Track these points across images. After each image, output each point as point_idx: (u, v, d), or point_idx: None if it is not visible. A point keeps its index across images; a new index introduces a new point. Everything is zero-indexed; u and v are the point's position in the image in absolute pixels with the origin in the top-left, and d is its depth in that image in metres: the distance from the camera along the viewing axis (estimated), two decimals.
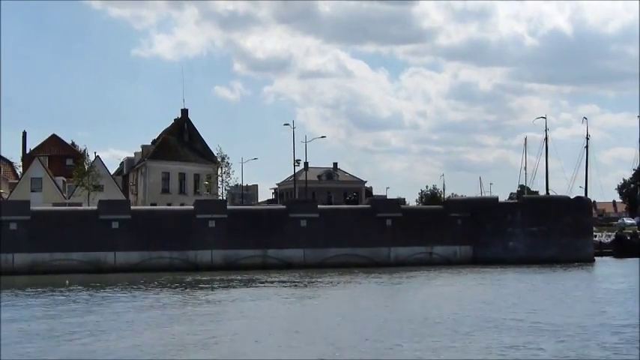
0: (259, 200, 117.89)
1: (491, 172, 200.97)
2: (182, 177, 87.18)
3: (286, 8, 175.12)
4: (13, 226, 54.40)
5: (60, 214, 56.67)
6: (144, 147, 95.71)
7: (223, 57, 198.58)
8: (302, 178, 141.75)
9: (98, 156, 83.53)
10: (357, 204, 67.16)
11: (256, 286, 44.02)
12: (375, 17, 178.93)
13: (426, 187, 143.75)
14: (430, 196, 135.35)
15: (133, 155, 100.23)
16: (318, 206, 60.35)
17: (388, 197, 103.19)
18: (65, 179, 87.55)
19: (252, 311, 32.75)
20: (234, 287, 43.86)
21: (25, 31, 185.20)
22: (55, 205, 71.96)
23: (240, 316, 31.41)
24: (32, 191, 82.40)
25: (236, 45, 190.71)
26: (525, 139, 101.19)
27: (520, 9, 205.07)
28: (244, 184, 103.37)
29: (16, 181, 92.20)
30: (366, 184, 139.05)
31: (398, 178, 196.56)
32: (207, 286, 44.81)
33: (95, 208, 56.89)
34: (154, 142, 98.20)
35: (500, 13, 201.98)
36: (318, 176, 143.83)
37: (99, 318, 30.41)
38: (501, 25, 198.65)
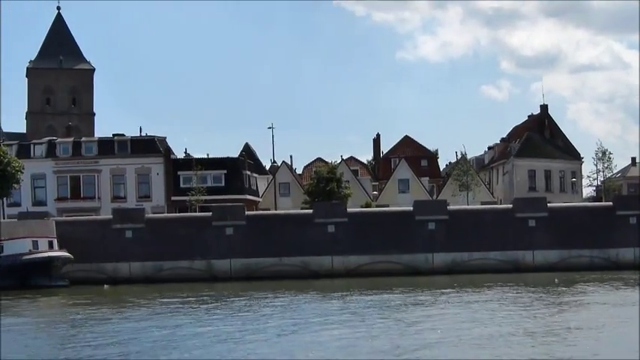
0: None
1: None
2: (548, 174, 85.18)
3: (554, 1, 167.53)
4: (431, 226, 55.05)
5: (475, 213, 56.66)
6: (496, 145, 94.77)
7: (489, 56, 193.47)
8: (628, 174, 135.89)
9: (464, 154, 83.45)
10: None
11: None
12: None
13: None
14: None
15: (482, 153, 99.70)
16: None
17: None
18: (429, 179, 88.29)
19: None
20: None
21: (296, 41, 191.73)
22: None
23: None
24: (400, 192, 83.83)
25: (502, 42, 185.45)
26: None
27: None
28: None
29: (375, 182, 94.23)
30: None
31: None
32: None
33: (510, 206, 56.28)
34: (502, 139, 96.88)
35: None
36: None
37: None
38: None
